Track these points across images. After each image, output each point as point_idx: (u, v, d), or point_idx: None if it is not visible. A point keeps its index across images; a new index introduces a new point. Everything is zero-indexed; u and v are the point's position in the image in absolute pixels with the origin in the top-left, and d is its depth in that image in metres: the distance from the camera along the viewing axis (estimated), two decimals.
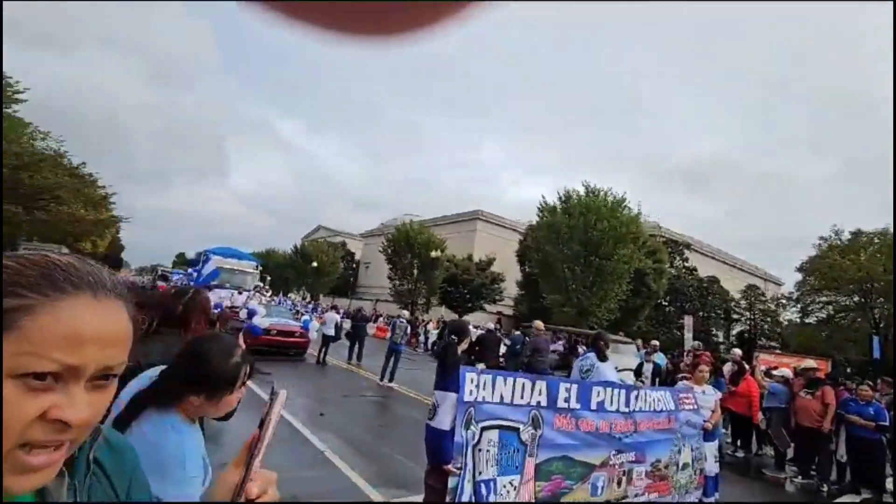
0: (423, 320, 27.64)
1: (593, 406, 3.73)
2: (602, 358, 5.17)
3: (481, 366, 3.38)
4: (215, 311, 14.96)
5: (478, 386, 3.17)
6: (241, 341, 2.87)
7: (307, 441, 5.41)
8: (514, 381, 3.38)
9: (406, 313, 11.12)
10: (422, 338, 22.78)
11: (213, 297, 17.57)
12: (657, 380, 9.35)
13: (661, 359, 10.51)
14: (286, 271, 50.99)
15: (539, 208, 25.46)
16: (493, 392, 3.24)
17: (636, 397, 4.02)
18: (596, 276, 22.84)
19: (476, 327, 11.30)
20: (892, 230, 28.14)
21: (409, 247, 35.77)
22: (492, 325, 13.02)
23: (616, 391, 3.93)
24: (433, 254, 32.28)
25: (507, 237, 50.42)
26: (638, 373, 9.58)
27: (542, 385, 3.52)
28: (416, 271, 36.08)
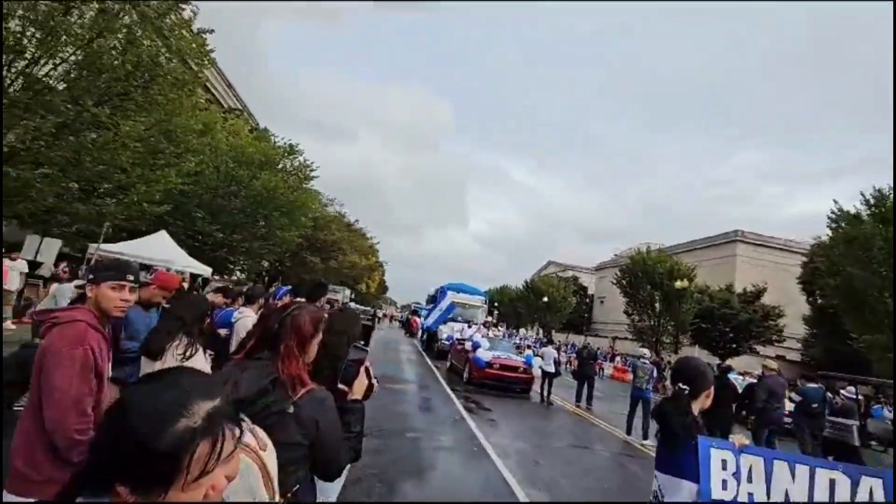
0: (669, 362, 23.62)
1: None
2: None
3: (739, 437, 2.00)
4: (446, 343, 15.79)
5: (736, 474, 1.84)
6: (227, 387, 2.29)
7: (512, 493, 4.60)
8: (811, 471, 1.88)
9: (647, 352, 9.21)
10: (668, 382, 19.29)
11: (447, 329, 18.96)
12: None
13: None
14: (518, 306, 52.30)
15: (832, 219, 19.09)
16: (767, 487, 1.84)
17: None
18: None
19: (742, 374, 8.46)
20: None
21: (647, 277, 31.92)
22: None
23: None
24: (678, 284, 27.77)
25: (782, 261, 40.08)
26: None
27: (872, 483, 1.88)
28: (657, 305, 31.73)
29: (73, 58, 9.27)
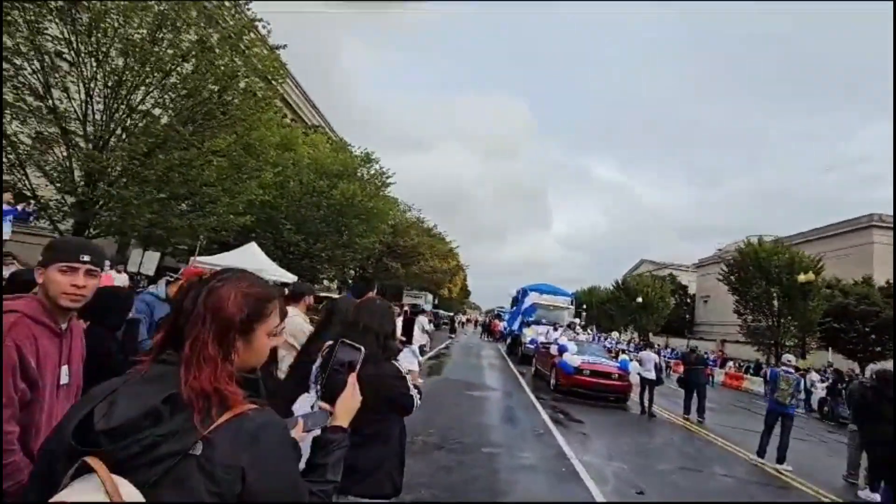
0: (801, 369, 20.27)
1: None
2: None
3: None
4: (531, 348, 14.86)
5: None
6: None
7: None
8: None
9: (791, 358, 7.32)
10: (801, 395, 16.45)
11: (531, 332, 17.91)
12: None
13: None
14: (609, 308, 49.05)
15: None
16: None
17: None
18: None
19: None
20: None
21: (761, 271, 28.03)
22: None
23: None
24: (801, 278, 23.96)
25: None
26: None
27: None
28: (775, 302, 27.70)
29: (162, 82, 9.95)
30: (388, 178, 22.68)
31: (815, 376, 16.85)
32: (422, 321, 10.21)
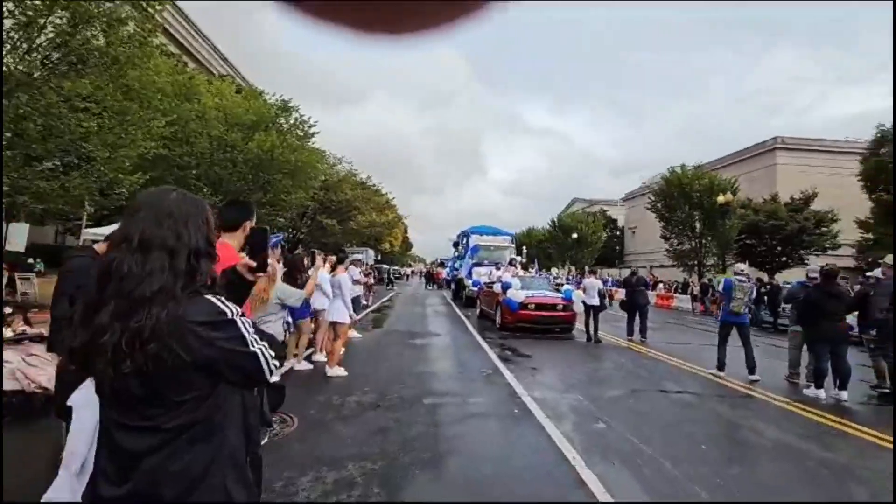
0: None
1: None
2: None
3: None
4: (474, 290, 14.47)
5: None
6: None
7: (579, 480, 3.17)
8: None
9: (744, 266, 6.98)
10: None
11: (473, 274, 17.56)
12: None
13: None
14: (548, 247, 50.56)
15: None
16: None
17: None
18: None
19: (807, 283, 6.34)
20: None
21: (684, 196, 29.38)
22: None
23: None
24: (720, 199, 25.29)
25: (832, 164, 36.80)
26: None
27: None
28: (698, 224, 29.35)
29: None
30: (310, 127, 20.64)
31: None
32: (352, 271, 9.25)
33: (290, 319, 4.45)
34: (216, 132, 16.15)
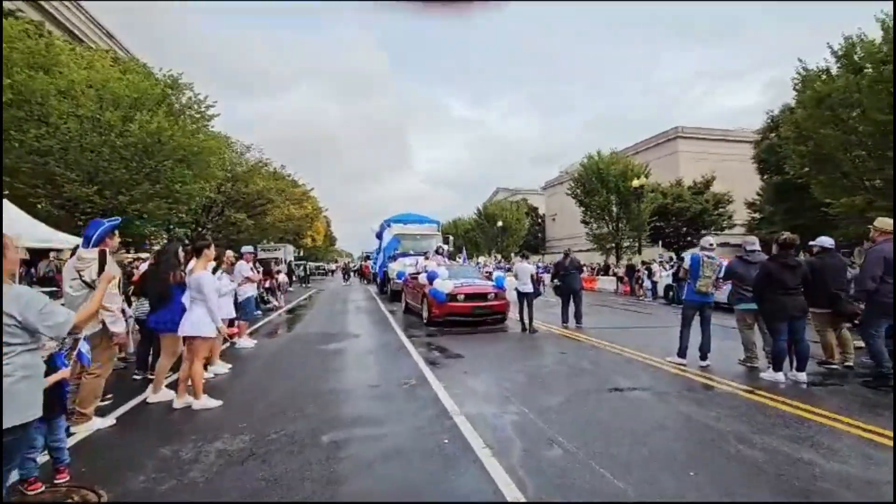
0: (644, 262, 22.28)
1: None
2: None
3: None
4: (399, 282, 13.15)
5: None
6: None
7: None
8: None
9: (713, 240, 5.94)
10: (647, 283, 17.88)
11: (398, 266, 16.25)
12: None
13: None
14: (475, 235, 50.58)
15: (799, 80, 17.31)
16: None
17: None
18: None
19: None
20: None
21: (601, 182, 30.19)
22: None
23: None
24: (635, 182, 26.12)
25: (724, 151, 40.27)
26: None
27: None
28: (614, 208, 30.36)
29: None
30: (207, 108, 17.88)
31: (656, 267, 18.39)
32: (240, 267, 7.56)
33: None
34: (85, 111, 13.21)
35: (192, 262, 4.54)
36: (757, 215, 29.64)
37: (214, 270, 6.08)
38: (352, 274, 38.01)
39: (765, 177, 27.34)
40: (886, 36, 14.59)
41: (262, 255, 29.89)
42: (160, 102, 15.79)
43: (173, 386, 4.56)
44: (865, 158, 15.36)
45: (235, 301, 7.11)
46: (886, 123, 14.28)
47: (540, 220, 61.61)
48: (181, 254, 4.42)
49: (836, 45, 15.86)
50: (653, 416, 3.98)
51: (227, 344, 7.57)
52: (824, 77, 16.20)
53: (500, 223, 46.06)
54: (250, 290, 7.71)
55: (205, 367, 5.58)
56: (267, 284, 15.01)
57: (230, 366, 5.94)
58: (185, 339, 4.21)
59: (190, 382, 4.22)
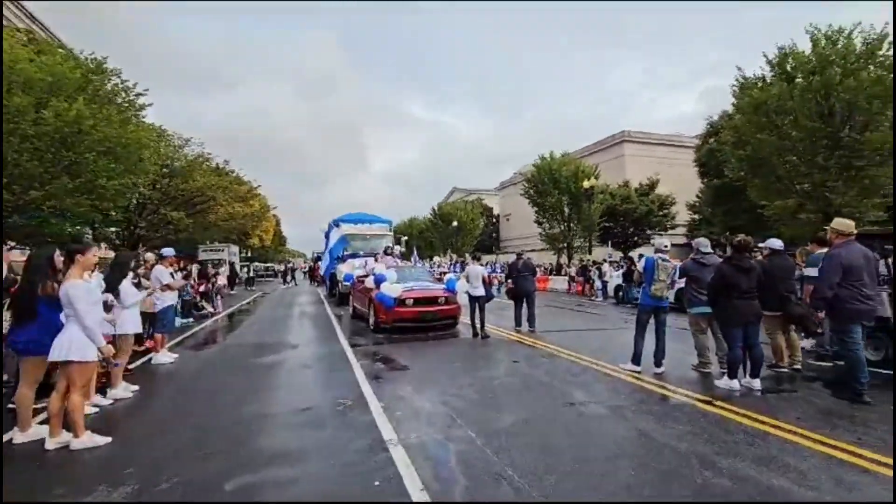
0: (595, 262, 22.61)
1: None
2: None
3: None
4: (346, 284, 12.51)
5: None
6: None
7: None
8: None
9: (667, 243, 5.62)
10: (598, 284, 18.07)
11: (346, 267, 15.46)
12: None
13: None
14: (430, 235, 50.13)
15: (737, 87, 18.06)
16: None
17: None
18: (848, 157, 15.07)
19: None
20: None
21: (553, 183, 30.56)
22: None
23: None
24: (586, 183, 26.59)
25: (668, 156, 42.12)
26: None
27: None
28: (566, 209, 30.81)
29: None
30: (137, 96, 16.30)
31: (606, 267, 18.64)
32: (158, 272, 6.69)
33: None
34: None
35: (88, 273, 3.77)
36: (697, 217, 31.00)
37: (115, 277, 5.24)
38: (293, 276, 36.31)
39: (705, 180, 28.57)
40: (815, 48, 15.47)
41: (203, 255, 28.02)
42: (81, 88, 14.18)
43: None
44: (797, 164, 16.16)
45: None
46: (816, 131, 15.13)
47: (495, 220, 62.03)
48: (58, 259, 3.62)
49: (770, 54, 16.68)
50: (612, 438, 3.64)
51: (145, 359, 6.68)
52: (760, 85, 16.97)
53: (455, 223, 45.91)
54: (169, 299, 6.82)
55: (102, 392, 4.78)
56: (202, 289, 13.86)
57: (136, 388, 5.11)
58: (58, 364, 3.43)
59: (68, 417, 3.44)
